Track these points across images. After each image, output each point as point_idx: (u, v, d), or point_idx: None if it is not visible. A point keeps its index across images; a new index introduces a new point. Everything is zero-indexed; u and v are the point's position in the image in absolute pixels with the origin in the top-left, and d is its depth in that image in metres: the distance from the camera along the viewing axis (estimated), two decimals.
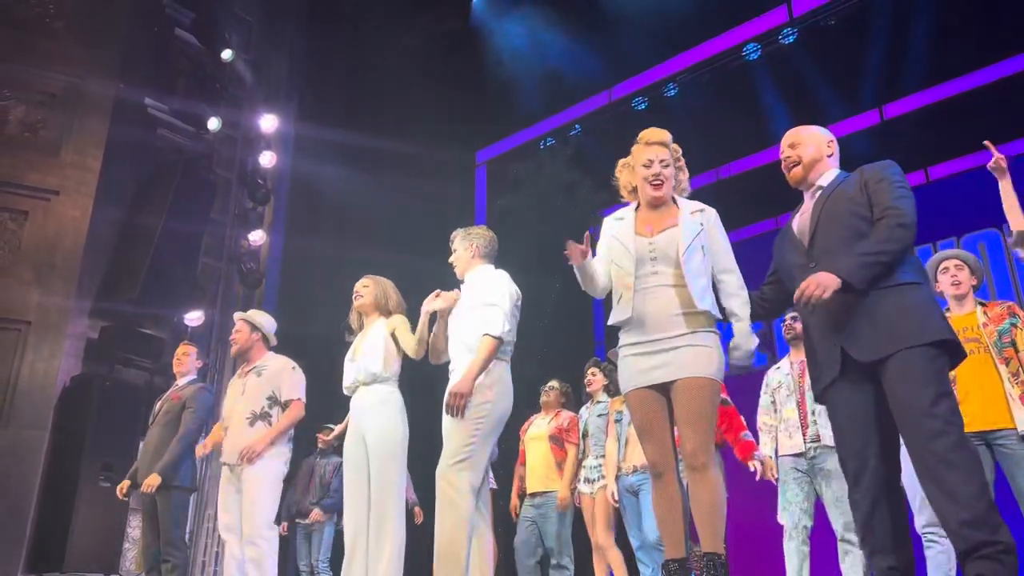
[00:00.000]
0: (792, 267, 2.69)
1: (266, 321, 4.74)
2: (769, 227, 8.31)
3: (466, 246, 3.80)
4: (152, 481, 4.72)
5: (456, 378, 3.45)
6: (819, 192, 2.71)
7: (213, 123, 7.85)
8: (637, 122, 8.11)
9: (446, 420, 3.45)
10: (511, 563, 6.46)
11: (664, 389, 2.85)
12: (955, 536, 2.23)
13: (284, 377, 4.48)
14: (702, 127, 7.77)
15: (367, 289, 4.18)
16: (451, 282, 3.82)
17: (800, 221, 2.72)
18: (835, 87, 7.04)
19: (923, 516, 3.69)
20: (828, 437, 4.13)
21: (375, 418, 3.89)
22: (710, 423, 2.80)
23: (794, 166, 2.77)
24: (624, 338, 2.97)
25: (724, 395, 4.66)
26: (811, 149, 2.77)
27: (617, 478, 4.81)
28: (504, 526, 6.67)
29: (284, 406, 4.43)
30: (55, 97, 6.79)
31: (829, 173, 2.75)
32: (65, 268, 6.45)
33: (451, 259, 3.84)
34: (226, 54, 8.16)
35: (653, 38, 7.86)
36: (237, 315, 4.80)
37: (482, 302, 3.57)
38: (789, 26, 7.21)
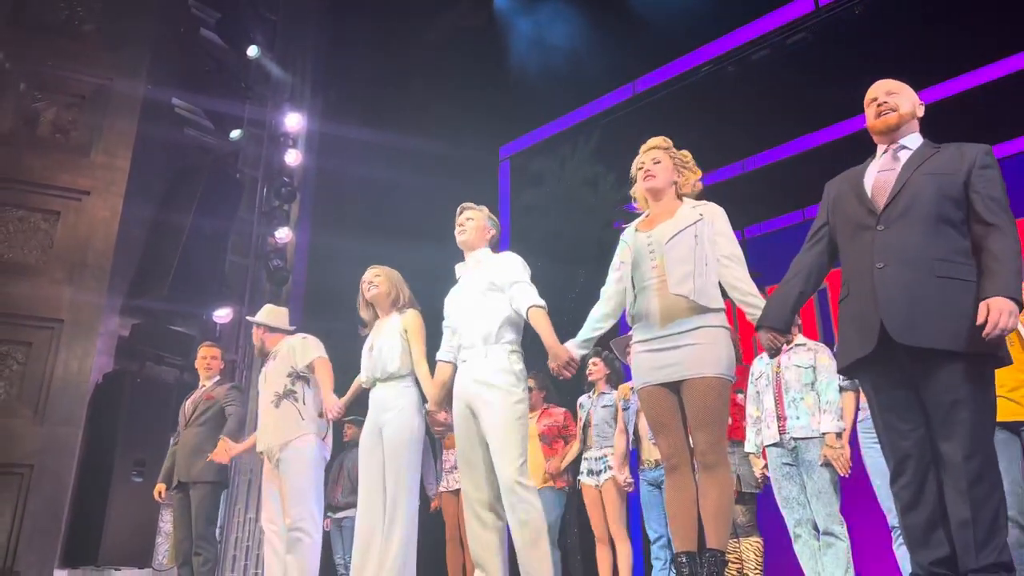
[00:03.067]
0: (854, 224, 2.58)
1: (280, 317, 4.80)
2: (796, 219, 8.21)
3: (487, 226, 3.71)
4: (227, 447, 4.69)
5: (554, 352, 3.13)
6: (903, 152, 2.61)
7: (235, 133, 7.95)
8: (662, 114, 8.08)
9: (498, 424, 3.28)
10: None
11: (675, 387, 2.89)
12: (966, 551, 2.27)
13: (296, 348, 4.50)
14: (727, 118, 7.70)
15: (380, 279, 4.13)
16: None
17: (879, 179, 2.58)
18: (862, 77, 6.93)
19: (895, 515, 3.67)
20: (799, 429, 4.13)
21: (391, 412, 3.90)
22: (721, 422, 2.84)
23: (890, 111, 2.64)
24: (635, 334, 3.03)
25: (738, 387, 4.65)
26: (908, 104, 2.67)
27: (641, 471, 4.80)
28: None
29: (306, 379, 4.45)
30: (85, 99, 6.89)
31: (916, 136, 2.66)
32: (96, 267, 6.55)
33: (465, 224, 3.67)
34: (252, 50, 8.23)
35: (677, 30, 7.79)
36: (252, 320, 4.86)
37: (497, 283, 3.45)
38: (815, 15, 7.11)
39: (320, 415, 4.40)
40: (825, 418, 4.10)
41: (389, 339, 3.98)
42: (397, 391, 3.94)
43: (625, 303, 3.08)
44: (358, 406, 4.43)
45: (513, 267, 3.49)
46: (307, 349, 4.48)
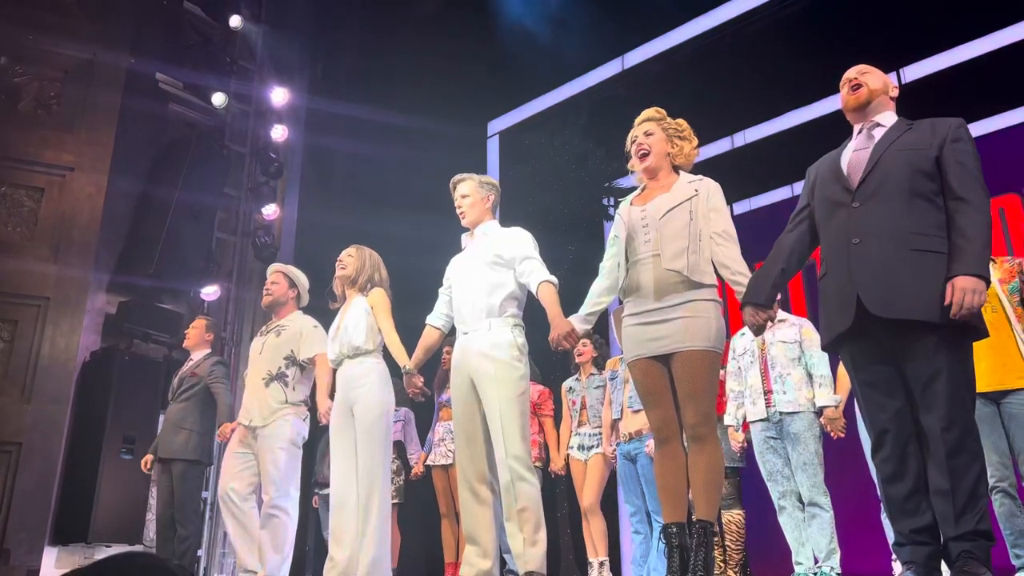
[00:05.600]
0: (830, 203, 2.62)
1: (304, 280, 4.71)
2: (785, 195, 8.22)
3: (483, 196, 3.61)
4: (226, 429, 4.64)
5: (556, 323, 3.12)
6: (878, 130, 2.64)
7: (218, 98, 7.83)
8: (650, 90, 8.04)
9: (499, 399, 3.26)
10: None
11: (665, 359, 2.90)
12: (945, 519, 2.32)
13: (305, 336, 4.45)
14: (715, 94, 7.68)
15: (351, 259, 4.13)
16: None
17: (854, 157, 2.63)
18: (852, 51, 6.91)
19: None
20: (785, 403, 4.17)
21: (360, 389, 3.90)
22: (710, 394, 2.86)
23: (860, 87, 2.71)
24: (627, 307, 3.05)
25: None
26: (879, 82, 2.73)
27: (617, 444, 4.84)
28: None
29: (302, 366, 4.42)
30: (68, 73, 6.79)
31: (889, 114, 2.70)
32: (82, 244, 6.50)
33: (462, 203, 3.60)
34: (234, 20, 8.12)
35: (665, 5, 7.75)
36: (276, 266, 4.73)
37: (504, 257, 3.42)
38: None
39: (303, 401, 4.43)
40: (821, 392, 4.16)
41: (355, 317, 3.99)
42: (366, 367, 3.95)
43: (619, 281, 3.08)
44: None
45: (523, 243, 3.45)
46: (314, 342, 4.43)
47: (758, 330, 2.78)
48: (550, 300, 3.25)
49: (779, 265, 2.74)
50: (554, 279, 3.34)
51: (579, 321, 3.14)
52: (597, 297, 3.15)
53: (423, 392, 3.74)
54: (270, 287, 4.61)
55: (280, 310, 4.61)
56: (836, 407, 4.14)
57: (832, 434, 4.14)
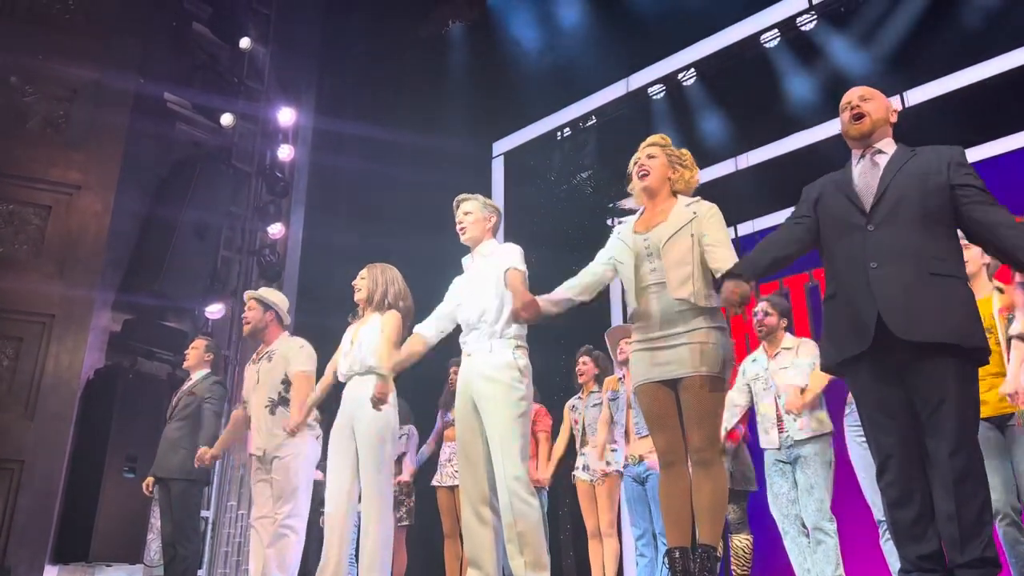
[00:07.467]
0: (843, 224, 2.61)
1: (279, 299, 4.68)
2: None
3: (486, 215, 3.65)
4: (204, 455, 4.62)
5: (517, 296, 3.19)
6: (881, 156, 2.65)
7: (226, 118, 7.89)
8: (654, 112, 8.09)
9: (499, 421, 3.28)
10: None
11: (672, 384, 2.93)
12: (952, 546, 2.31)
13: (291, 356, 4.43)
14: (720, 116, 7.72)
15: (363, 281, 4.12)
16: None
17: (865, 181, 2.62)
18: (856, 73, 6.95)
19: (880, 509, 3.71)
20: (797, 430, 4.18)
21: (367, 408, 3.82)
22: (715, 419, 2.89)
23: (862, 117, 2.70)
24: (635, 333, 3.08)
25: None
26: (881, 110, 2.73)
27: (625, 467, 4.80)
28: None
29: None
30: (76, 93, 6.85)
31: (890, 141, 2.71)
32: (88, 262, 6.53)
33: (464, 220, 3.63)
34: (244, 42, 8.21)
35: (670, 27, 7.80)
36: (248, 293, 4.73)
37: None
38: (809, 12, 7.12)
39: (314, 420, 4.40)
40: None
41: (370, 335, 3.96)
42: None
43: (597, 288, 3.21)
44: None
45: (511, 257, 3.46)
46: (298, 360, 4.42)
47: (738, 304, 2.59)
48: (515, 283, 3.28)
49: (772, 253, 2.74)
50: (524, 268, 3.37)
51: (545, 302, 3.13)
52: (567, 289, 3.18)
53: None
54: (246, 315, 4.61)
55: (264, 335, 4.59)
56: (804, 392, 4.11)
57: (787, 407, 4.12)
